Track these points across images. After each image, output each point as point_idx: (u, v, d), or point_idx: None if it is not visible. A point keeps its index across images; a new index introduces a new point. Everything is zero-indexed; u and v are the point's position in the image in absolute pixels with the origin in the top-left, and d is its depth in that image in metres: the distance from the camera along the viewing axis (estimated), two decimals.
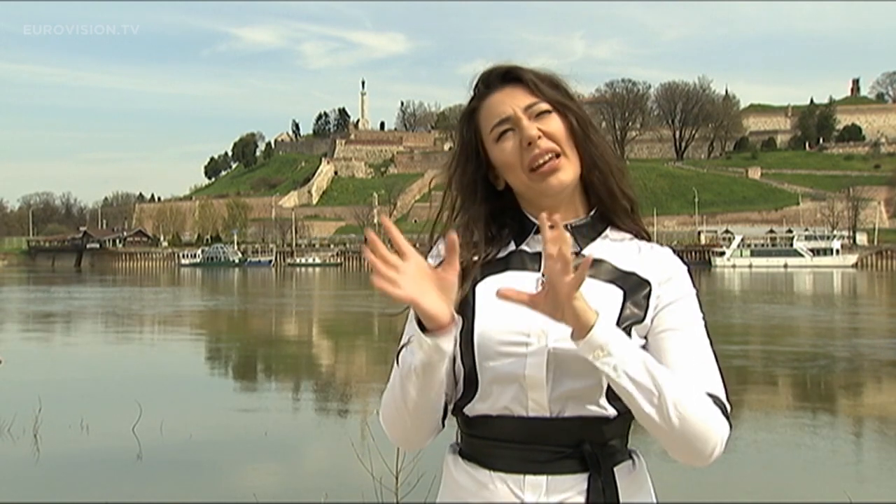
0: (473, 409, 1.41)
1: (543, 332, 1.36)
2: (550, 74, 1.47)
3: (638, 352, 1.31)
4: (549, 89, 1.44)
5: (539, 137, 1.41)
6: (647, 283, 1.43)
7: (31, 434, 8.75)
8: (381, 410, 1.46)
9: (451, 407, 1.45)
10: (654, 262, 1.46)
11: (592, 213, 1.49)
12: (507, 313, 1.37)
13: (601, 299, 1.36)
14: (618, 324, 1.36)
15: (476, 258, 1.45)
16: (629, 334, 1.36)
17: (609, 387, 1.36)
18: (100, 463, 8.28)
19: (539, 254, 1.43)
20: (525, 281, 1.42)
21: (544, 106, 1.43)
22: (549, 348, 1.36)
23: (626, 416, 1.39)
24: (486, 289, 1.41)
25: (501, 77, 1.47)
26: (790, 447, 8.99)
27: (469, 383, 1.40)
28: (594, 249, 1.45)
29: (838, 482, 7.22)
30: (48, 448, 8.50)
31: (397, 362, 1.39)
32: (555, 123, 1.43)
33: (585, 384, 1.36)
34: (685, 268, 1.48)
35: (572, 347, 1.33)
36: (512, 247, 1.48)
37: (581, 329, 1.27)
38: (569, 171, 1.43)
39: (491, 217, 1.49)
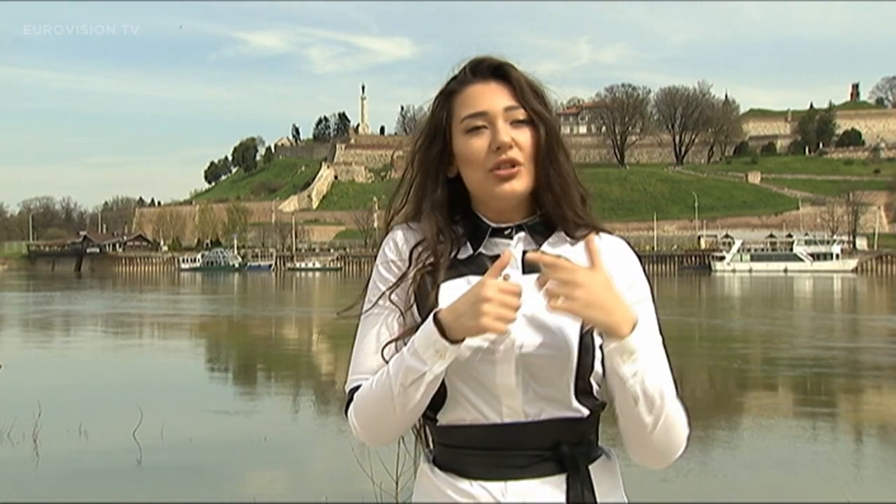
0: (445, 416, 1.40)
1: (511, 339, 1.34)
2: (536, 82, 1.46)
3: (655, 360, 1.32)
4: (531, 96, 1.43)
5: (510, 147, 1.40)
6: None
7: (31, 439, 8.73)
8: (355, 409, 1.41)
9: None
10: (610, 256, 1.41)
11: (543, 211, 1.48)
12: None
13: None
14: (582, 323, 1.33)
15: (442, 257, 1.44)
16: (591, 332, 1.35)
17: (578, 387, 1.36)
18: (100, 468, 8.27)
19: (499, 257, 1.43)
20: None
21: (522, 114, 1.42)
22: (517, 354, 1.35)
23: (596, 413, 1.41)
24: (450, 293, 1.38)
25: (491, 69, 1.46)
26: (790, 448, 8.99)
27: (437, 389, 1.37)
28: (551, 247, 1.45)
29: (838, 482, 7.23)
30: (48, 453, 8.48)
31: (384, 360, 1.38)
32: (526, 135, 1.42)
33: (556, 387, 1.36)
34: (640, 266, 1.48)
35: (541, 353, 1.34)
36: (470, 250, 1.47)
37: (621, 329, 1.28)
38: (523, 182, 1.42)
39: (449, 205, 1.48)
